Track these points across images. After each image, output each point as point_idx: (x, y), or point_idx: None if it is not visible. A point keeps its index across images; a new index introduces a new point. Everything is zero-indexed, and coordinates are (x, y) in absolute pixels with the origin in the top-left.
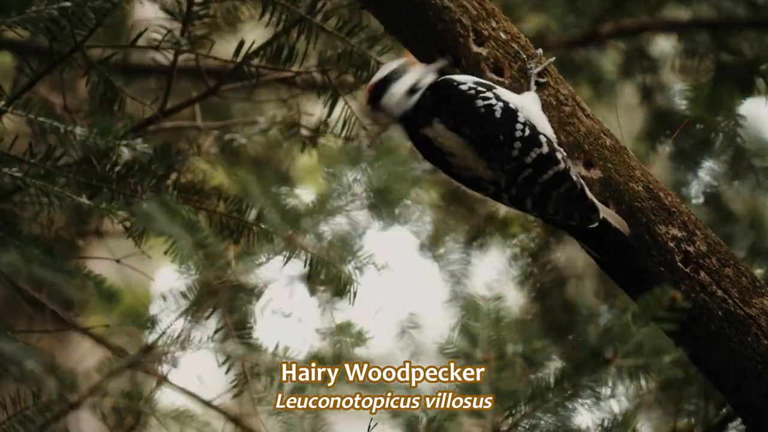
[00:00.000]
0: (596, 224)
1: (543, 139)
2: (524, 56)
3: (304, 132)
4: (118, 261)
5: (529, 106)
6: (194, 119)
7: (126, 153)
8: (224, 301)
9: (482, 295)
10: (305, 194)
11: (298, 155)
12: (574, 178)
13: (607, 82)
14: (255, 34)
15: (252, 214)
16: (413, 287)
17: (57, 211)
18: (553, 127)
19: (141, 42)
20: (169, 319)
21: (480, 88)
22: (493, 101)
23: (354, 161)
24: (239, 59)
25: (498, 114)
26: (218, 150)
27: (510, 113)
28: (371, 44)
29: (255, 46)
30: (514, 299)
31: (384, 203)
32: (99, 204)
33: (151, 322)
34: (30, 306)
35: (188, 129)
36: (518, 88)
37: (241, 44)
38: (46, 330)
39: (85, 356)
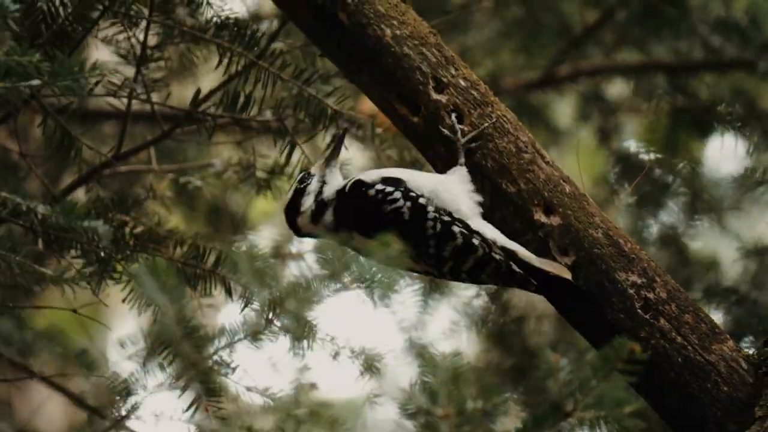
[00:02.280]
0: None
1: (456, 230)
2: (453, 130)
3: (259, 174)
4: (74, 311)
5: (444, 190)
6: (150, 163)
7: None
8: (200, 375)
9: (439, 350)
10: (261, 240)
11: (254, 198)
12: (498, 257)
13: (565, 126)
14: (211, 76)
15: (210, 261)
16: (370, 333)
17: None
18: (512, 175)
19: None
20: (145, 391)
21: (387, 189)
22: (401, 202)
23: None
24: (195, 108)
25: (406, 216)
26: (174, 193)
27: (418, 211)
28: (328, 92)
29: (210, 94)
30: (472, 343)
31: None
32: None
33: (126, 391)
34: None
35: (144, 173)
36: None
37: (197, 93)
38: (4, 379)
39: (43, 403)
